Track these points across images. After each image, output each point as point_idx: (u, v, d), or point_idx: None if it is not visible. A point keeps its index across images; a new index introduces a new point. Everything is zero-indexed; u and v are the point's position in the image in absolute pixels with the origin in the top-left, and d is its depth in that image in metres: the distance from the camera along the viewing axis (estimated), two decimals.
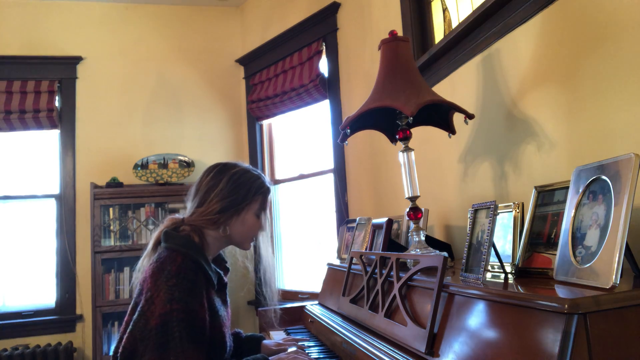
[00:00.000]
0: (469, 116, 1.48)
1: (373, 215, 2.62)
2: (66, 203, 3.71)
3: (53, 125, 3.73)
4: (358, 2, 3.00)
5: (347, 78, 3.16)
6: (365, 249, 1.88)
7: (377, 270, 1.45)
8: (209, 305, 1.32)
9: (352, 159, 3.13)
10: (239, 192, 1.44)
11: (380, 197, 2.75)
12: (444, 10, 2.17)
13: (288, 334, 1.98)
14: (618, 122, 1.18)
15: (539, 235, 1.12)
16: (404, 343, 1.14)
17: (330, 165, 3.35)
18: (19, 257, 3.71)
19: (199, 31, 4.16)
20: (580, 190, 0.96)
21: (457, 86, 1.93)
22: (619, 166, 0.86)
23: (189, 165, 3.82)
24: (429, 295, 1.13)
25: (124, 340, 1.23)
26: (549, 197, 1.14)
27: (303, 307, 2.15)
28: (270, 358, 1.44)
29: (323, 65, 3.38)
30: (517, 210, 1.24)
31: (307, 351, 1.58)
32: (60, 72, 3.83)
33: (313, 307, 2.05)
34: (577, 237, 0.93)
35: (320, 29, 3.40)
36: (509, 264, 1.18)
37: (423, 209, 1.60)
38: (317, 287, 2.66)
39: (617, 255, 0.80)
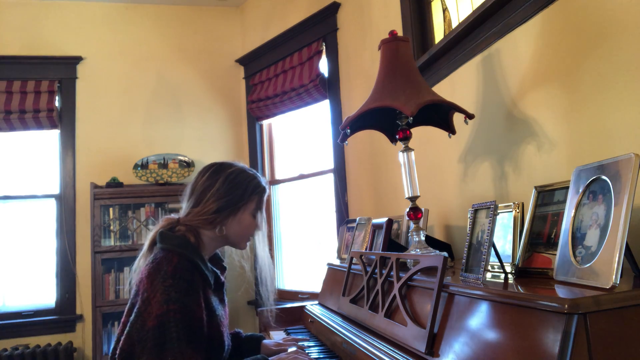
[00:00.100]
0: (469, 116, 1.48)
1: (373, 215, 2.62)
2: (66, 203, 3.71)
3: (53, 125, 3.73)
4: (358, 2, 3.00)
5: (347, 78, 3.16)
6: (365, 249, 1.88)
7: (377, 270, 1.45)
8: (206, 305, 1.32)
9: (352, 159, 3.13)
10: (235, 192, 1.43)
11: (380, 197, 2.75)
12: (444, 10, 2.17)
13: (288, 334, 1.98)
14: (618, 122, 1.18)
15: (539, 235, 1.12)
16: (404, 343, 1.14)
17: (330, 165, 3.35)
18: (19, 257, 3.71)
19: (199, 31, 4.16)
20: (580, 190, 0.96)
21: (457, 86, 1.93)
22: (619, 166, 0.86)
23: (189, 165, 3.82)
24: (429, 295, 1.13)
25: (121, 341, 1.23)
26: (549, 197, 1.14)
27: (303, 307, 2.15)
28: (270, 358, 1.44)
29: (323, 65, 3.38)
30: (517, 210, 1.24)
31: (307, 351, 1.58)
32: (60, 72, 3.83)
33: (313, 307, 2.05)
34: (577, 237, 0.93)
35: (320, 29, 3.40)
36: (509, 264, 1.18)
37: (423, 209, 1.60)
38: (317, 287, 2.66)
39: (617, 255, 0.80)
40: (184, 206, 1.48)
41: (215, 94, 4.15)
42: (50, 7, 3.87)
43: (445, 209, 2.02)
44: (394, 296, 1.26)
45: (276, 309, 2.17)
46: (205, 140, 4.07)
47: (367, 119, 1.65)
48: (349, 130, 1.60)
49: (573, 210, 0.96)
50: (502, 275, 1.11)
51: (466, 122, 1.52)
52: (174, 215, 1.47)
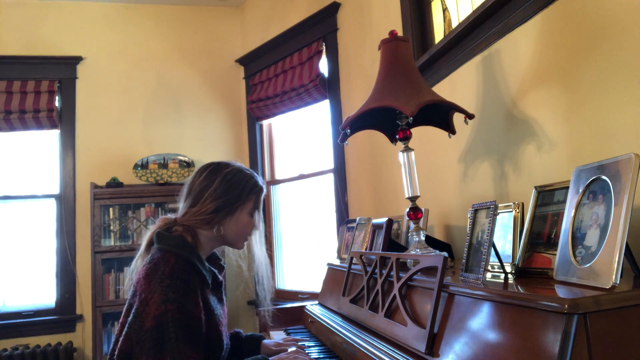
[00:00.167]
0: (469, 116, 1.48)
1: (373, 215, 2.62)
2: (66, 203, 3.71)
3: (53, 125, 3.73)
4: (358, 2, 3.00)
5: (347, 78, 3.16)
6: (365, 249, 1.88)
7: (377, 270, 1.45)
8: (204, 305, 1.32)
9: (352, 159, 3.13)
10: (233, 192, 1.43)
11: (380, 197, 2.75)
12: (444, 10, 2.17)
13: (288, 334, 1.98)
14: (618, 122, 1.18)
15: (539, 235, 1.12)
16: (404, 343, 1.14)
17: (330, 165, 3.35)
18: (19, 257, 3.71)
19: (199, 31, 4.16)
20: (580, 190, 0.96)
21: (457, 86, 1.93)
22: (619, 166, 0.86)
23: (189, 165, 3.82)
24: (429, 295, 1.13)
25: (119, 342, 1.23)
26: (549, 197, 1.14)
27: (303, 307, 2.15)
28: (270, 358, 1.44)
29: (323, 65, 3.38)
30: (517, 210, 1.24)
31: (307, 351, 1.58)
32: (60, 72, 3.83)
33: (313, 307, 2.05)
34: (577, 237, 0.93)
35: (320, 29, 3.40)
36: (509, 264, 1.18)
37: (423, 209, 1.60)
38: (317, 287, 2.66)
39: (617, 255, 0.80)
40: (181, 206, 1.48)
41: (215, 94, 4.15)
42: (50, 7, 3.87)
43: (445, 209, 2.02)
44: (394, 296, 1.26)
45: (276, 309, 2.17)
46: (205, 140, 4.07)
47: (367, 119, 1.65)
48: (349, 130, 1.60)
49: (573, 210, 0.96)
50: (502, 275, 1.11)
51: (466, 122, 1.52)
52: (170, 216, 1.47)
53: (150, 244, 1.39)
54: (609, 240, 0.83)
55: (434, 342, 1.03)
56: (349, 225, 2.31)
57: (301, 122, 3.81)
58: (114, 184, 3.62)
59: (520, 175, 1.54)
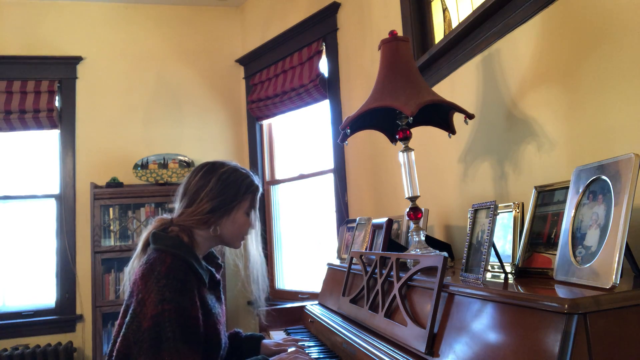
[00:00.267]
0: (469, 116, 1.48)
1: (373, 215, 2.62)
2: (66, 203, 3.71)
3: (53, 125, 3.73)
4: (358, 2, 3.00)
5: (347, 78, 3.16)
6: (365, 249, 1.88)
7: (377, 270, 1.45)
8: (201, 304, 1.32)
9: (352, 159, 3.13)
10: (229, 192, 1.43)
11: (380, 197, 2.75)
12: (444, 10, 2.17)
13: (288, 334, 1.98)
14: (618, 122, 1.18)
15: (539, 235, 1.12)
16: (404, 343, 1.14)
17: (330, 165, 3.35)
18: (19, 257, 3.71)
19: (199, 31, 4.16)
20: (580, 190, 0.96)
21: (457, 86, 1.93)
22: (619, 166, 0.86)
23: (189, 165, 3.82)
24: (429, 295, 1.13)
25: (117, 343, 1.23)
26: (549, 197, 1.14)
27: (303, 307, 2.15)
28: (270, 359, 1.44)
29: (323, 65, 3.38)
30: (517, 210, 1.24)
31: (307, 351, 1.58)
32: (60, 72, 3.83)
33: (313, 307, 2.05)
34: (577, 237, 0.93)
35: (320, 29, 3.40)
36: (509, 264, 1.18)
37: (423, 209, 1.60)
38: (317, 287, 2.66)
39: (617, 255, 0.80)
40: (177, 206, 1.47)
41: (215, 94, 4.15)
42: (50, 7, 3.87)
43: (445, 209, 2.02)
44: (394, 296, 1.26)
45: (272, 309, 2.17)
46: (205, 140, 4.07)
47: (367, 119, 1.65)
48: (349, 130, 1.60)
49: (573, 210, 0.96)
50: (502, 275, 1.11)
51: (466, 122, 1.52)
52: (166, 216, 1.47)
53: (146, 244, 1.39)
54: (609, 240, 0.83)
55: (434, 342, 1.03)
56: (349, 225, 2.31)
57: (301, 122, 3.81)
58: (114, 184, 3.62)
59: (520, 175, 1.54)
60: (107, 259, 3.51)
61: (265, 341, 1.67)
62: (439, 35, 2.20)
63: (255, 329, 3.69)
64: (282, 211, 3.93)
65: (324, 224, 3.49)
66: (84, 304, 3.64)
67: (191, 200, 1.43)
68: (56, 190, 3.76)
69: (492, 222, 1.07)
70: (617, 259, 0.80)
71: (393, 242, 1.74)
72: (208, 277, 1.40)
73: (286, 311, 2.19)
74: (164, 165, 3.77)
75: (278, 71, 3.73)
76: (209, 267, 1.43)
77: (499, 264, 1.13)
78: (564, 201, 1.03)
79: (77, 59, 3.87)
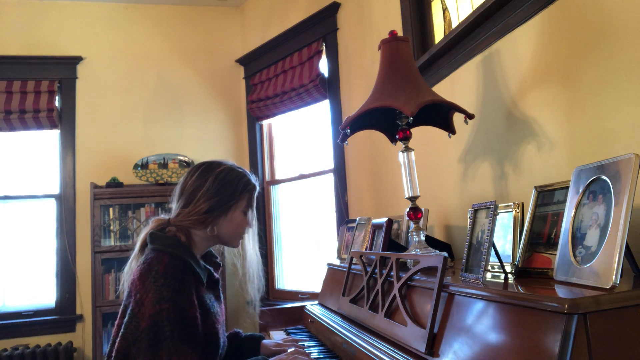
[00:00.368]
0: (469, 116, 1.48)
1: (373, 215, 2.62)
2: (66, 203, 3.71)
3: (53, 125, 3.73)
4: (358, 2, 3.00)
5: (347, 78, 3.16)
6: (365, 249, 1.88)
7: (377, 270, 1.45)
8: (199, 303, 1.32)
9: (352, 159, 3.13)
10: (226, 191, 1.43)
11: (380, 197, 2.75)
12: (444, 10, 2.17)
13: (288, 334, 1.98)
14: (618, 122, 1.18)
15: (539, 235, 1.12)
16: (404, 343, 1.14)
17: (330, 165, 3.35)
18: (19, 257, 3.71)
19: (199, 31, 4.16)
20: (580, 190, 0.96)
21: (457, 86, 1.93)
22: (619, 166, 0.86)
23: (189, 165, 3.82)
24: (429, 295, 1.13)
25: (116, 343, 1.23)
26: (549, 197, 1.14)
27: (303, 307, 2.15)
28: (269, 359, 1.44)
29: (323, 65, 3.38)
30: (517, 210, 1.24)
31: (307, 351, 1.58)
32: (60, 72, 3.83)
33: (313, 307, 2.05)
34: (577, 237, 0.93)
35: (320, 29, 3.40)
36: (509, 264, 1.18)
37: (423, 209, 1.60)
38: (317, 287, 2.66)
39: (617, 255, 0.80)
40: (174, 207, 1.47)
41: (215, 94, 4.15)
42: (50, 7, 3.87)
43: (445, 209, 2.02)
44: (394, 296, 1.26)
45: (270, 309, 2.17)
46: (205, 140, 4.07)
47: (367, 119, 1.65)
48: (349, 130, 1.60)
49: (573, 210, 0.96)
50: (502, 275, 1.11)
51: (466, 122, 1.52)
52: (164, 217, 1.47)
53: (144, 245, 1.39)
54: (609, 240, 0.83)
55: (434, 342, 1.03)
56: (349, 225, 2.31)
57: (301, 122, 3.81)
58: (114, 184, 3.62)
59: (520, 175, 1.54)
60: (107, 259, 3.51)
61: (265, 341, 1.67)
62: (439, 35, 2.20)
63: (255, 329, 3.69)
64: (282, 211, 3.93)
65: (324, 224, 3.49)
66: (84, 304, 3.64)
67: (188, 200, 1.43)
68: (56, 190, 3.76)
69: (492, 222, 1.07)
70: (617, 259, 0.80)
71: (393, 242, 1.74)
72: (206, 276, 1.40)
73: (286, 311, 2.19)
74: (164, 165, 3.77)
75: (278, 71, 3.73)
76: (207, 266, 1.43)
77: (499, 264, 1.13)
78: (564, 201, 1.03)
79: (77, 59, 3.87)
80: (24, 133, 3.76)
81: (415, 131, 1.60)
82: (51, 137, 3.84)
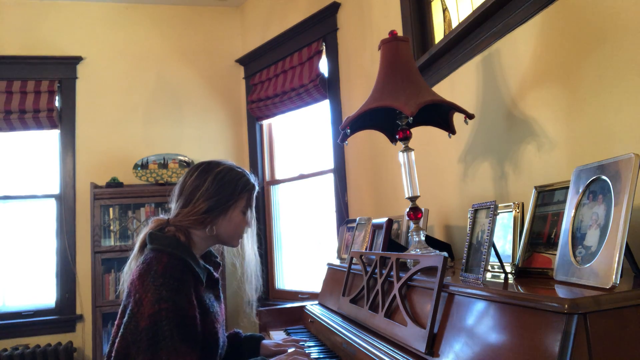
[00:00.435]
0: (469, 116, 1.48)
1: (373, 215, 2.62)
2: (66, 203, 3.71)
3: (53, 125, 3.73)
4: (358, 2, 3.00)
5: (347, 78, 3.16)
6: (365, 249, 1.88)
7: (377, 270, 1.45)
8: (198, 303, 1.32)
9: (352, 159, 3.13)
10: (225, 191, 1.43)
11: (380, 197, 2.75)
12: (444, 10, 2.17)
13: (288, 334, 1.98)
14: (618, 122, 1.18)
15: (539, 235, 1.12)
16: (404, 343, 1.14)
17: (330, 165, 3.35)
18: (19, 257, 3.71)
19: (199, 31, 4.16)
20: (580, 190, 0.96)
21: (457, 86, 1.93)
22: (619, 166, 0.86)
23: (188, 165, 3.82)
24: (429, 295, 1.13)
25: (116, 343, 1.23)
26: (549, 197, 1.14)
27: (303, 307, 2.15)
28: (270, 359, 1.44)
29: (323, 65, 3.38)
30: (517, 210, 1.24)
31: (307, 351, 1.58)
32: (60, 72, 3.83)
33: (313, 307, 2.05)
34: (577, 237, 0.93)
35: (320, 29, 3.40)
36: (509, 264, 1.18)
37: (423, 209, 1.60)
38: (317, 287, 2.66)
39: (617, 255, 0.80)
40: (173, 207, 1.47)
41: (215, 94, 4.15)
42: (50, 7, 3.87)
43: (445, 209, 2.02)
44: (394, 296, 1.26)
45: (268, 309, 2.17)
46: (205, 140, 4.07)
47: (367, 119, 1.65)
48: (349, 130, 1.60)
49: (573, 210, 0.96)
50: (502, 275, 1.11)
51: (466, 122, 1.52)
52: (163, 217, 1.47)
53: (143, 245, 1.39)
54: (609, 240, 0.83)
55: (434, 342, 1.03)
56: (349, 225, 2.31)
57: (301, 122, 3.81)
58: (114, 184, 3.62)
59: (520, 175, 1.54)
60: (107, 259, 3.51)
61: (265, 342, 1.67)
62: (439, 35, 2.20)
63: (255, 329, 3.69)
64: (282, 211, 3.93)
65: (324, 224, 3.49)
66: (84, 304, 3.64)
67: (187, 200, 1.43)
68: (56, 190, 3.76)
69: (492, 222, 1.07)
70: (617, 259, 0.80)
71: (393, 242, 1.74)
72: (205, 276, 1.40)
73: (286, 311, 2.19)
74: (164, 165, 3.77)
75: (278, 71, 3.73)
76: (207, 266, 1.43)
77: (499, 264, 1.13)
78: (564, 201, 1.03)
79: (77, 59, 3.87)
80: (24, 133, 3.76)
81: (415, 131, 1.60)
82: (51, 137, 3.84)
